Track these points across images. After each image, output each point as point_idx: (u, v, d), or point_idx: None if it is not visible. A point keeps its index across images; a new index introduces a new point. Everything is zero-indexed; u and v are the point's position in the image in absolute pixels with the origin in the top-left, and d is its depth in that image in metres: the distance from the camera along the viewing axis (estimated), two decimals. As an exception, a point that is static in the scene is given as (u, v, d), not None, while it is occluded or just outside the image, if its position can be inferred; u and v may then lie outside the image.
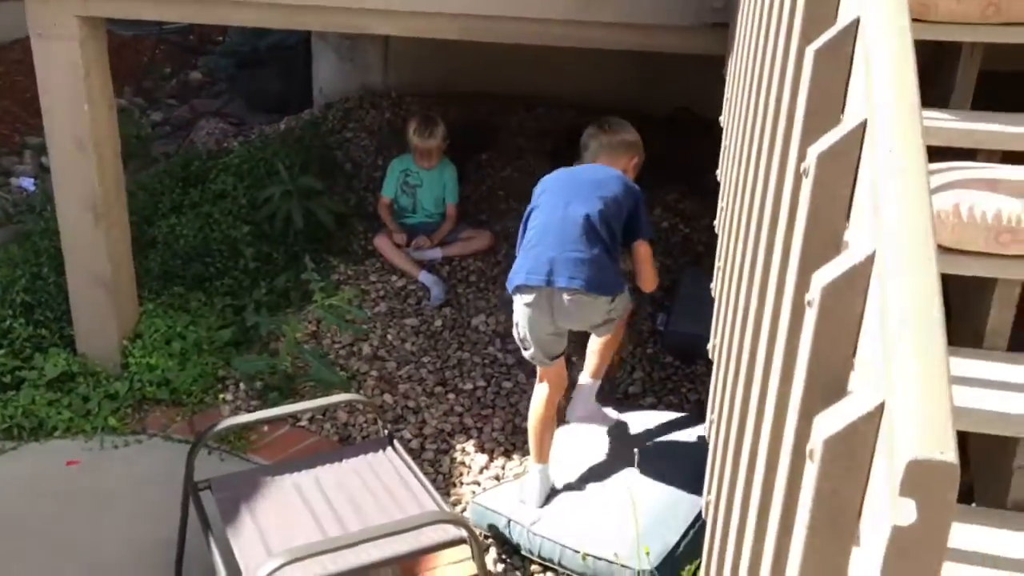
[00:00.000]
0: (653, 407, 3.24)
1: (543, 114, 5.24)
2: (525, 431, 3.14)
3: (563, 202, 2.57)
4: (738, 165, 1.82)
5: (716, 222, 2.22)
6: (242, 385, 3.35)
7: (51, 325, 3.45)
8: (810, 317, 0.97)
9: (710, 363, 3.36)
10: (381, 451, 2.43)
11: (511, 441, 3.11)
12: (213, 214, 4.15)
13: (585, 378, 2.81)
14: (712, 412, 1.81)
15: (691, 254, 4.13)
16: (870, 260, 0.93)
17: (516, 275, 2.58)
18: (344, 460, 2.39)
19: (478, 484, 2.91)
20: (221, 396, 3.32)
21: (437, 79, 5.47)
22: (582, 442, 2.83)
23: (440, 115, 4.35)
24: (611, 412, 2.93)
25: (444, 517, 2.07)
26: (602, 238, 2.51)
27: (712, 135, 3.46)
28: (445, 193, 4.18)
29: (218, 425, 2.38)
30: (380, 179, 4.65)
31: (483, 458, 3.02)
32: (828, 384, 0.97)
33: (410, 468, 2.37)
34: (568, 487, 2.63)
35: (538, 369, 2.71)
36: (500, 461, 3.01)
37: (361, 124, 5.14)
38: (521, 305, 2.58)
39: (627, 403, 3.26)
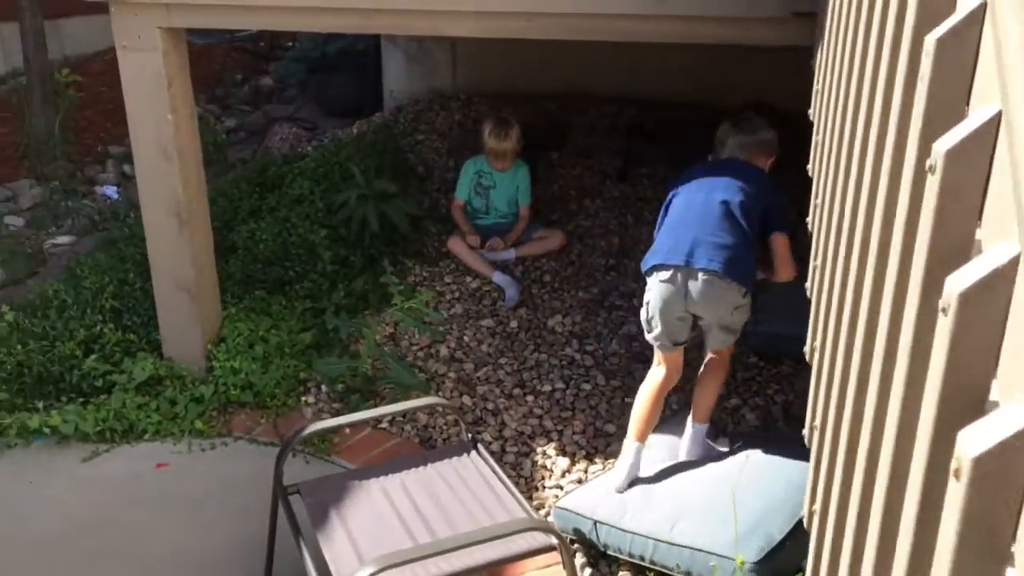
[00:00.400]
0: (737, 409, 3.16)
1: (612, 112, 5.19)
2: (606, 435, 3.11)
3: (705, 189, 2.64)
4: (836, 161, 1.75)
5: (808, 219, 2.14)
6: (323, 387, 3.39)
7: (139, 330, 3.54)
8: (945, 325, 0.91)
9: (798, 363, 3.28)
10: (466, 455, 2.42)
11: (592, 445, 3.07)
12: (291, 218, 4.21)
13: (693, 424, 2.79)
14: (814, 419, 1.74)
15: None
16: (1015, 263, 0.87)
17: (654, 255, 2.64)
18: (429, 464, 2.39)
19: (560, 488, 2.88)
20: (303, 399, 3.36)
21: (504, 79, 5.45)
22: (669, 439, 2.77)
23: (510, 115, 4.33)
24: (722, 444, 2.85)
25: (535, 525, 2.04)
26: (741, 227, 2.57)
27: (791, 128, 3.37)
28: (518, 194, 4.16)
29: (305, 430, 2.40)
30: (452, 181, 4.65)
31: (564, 462, 2.99)
32: (968, 396, 0.91)
33: (496, 473, 2.35)
34: (655, 481, 2.57)
35: (657, 353, 2.74)
36: (582, 465, 2.97)
37: (431, 126, 5.16)
38: (656, 283, 2.63)
39: (710, 405, 3.19)
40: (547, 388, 3.32)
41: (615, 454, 2.97)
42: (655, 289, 2.63)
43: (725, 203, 2.57)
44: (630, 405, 3.19)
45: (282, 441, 3.15)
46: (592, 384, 3.33)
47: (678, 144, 4.41)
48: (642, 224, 4.24)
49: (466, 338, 3.61)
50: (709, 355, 2.79)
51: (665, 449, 2.79)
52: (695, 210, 2.60)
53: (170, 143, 3.06)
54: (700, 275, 2.54)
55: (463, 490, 2.29)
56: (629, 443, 2.68)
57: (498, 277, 3.88)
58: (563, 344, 3.55)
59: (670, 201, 2.71)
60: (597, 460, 2.99)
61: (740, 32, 2.60)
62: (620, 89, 5.26)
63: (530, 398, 3.29)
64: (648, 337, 2.72)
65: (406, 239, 4.18)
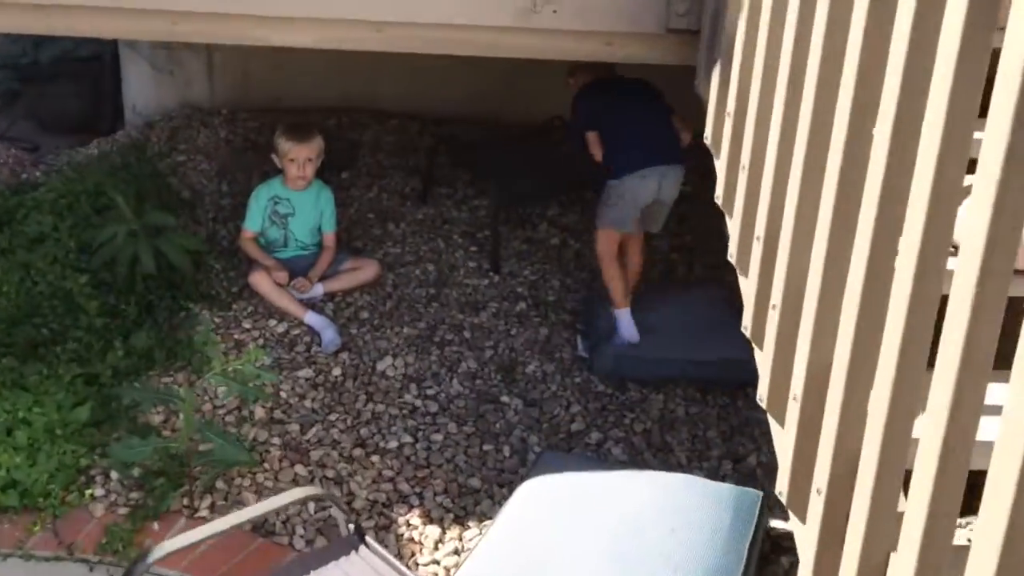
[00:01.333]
0: (600, 444, 2.98)
1: (399, 127, 4.85)
2: (472, 491, 2.80)
3: (637, 99, 3.37)
4: (804, 187, 1.59)
5: (733, 252, 1.97)
6: (114, 475, 2.74)
7: None
8: None
9: (643, 387, 3.17)
10: (354, 552, 2.00)
11: (460, 505, 2.72)
12: (34, 263, 3.43)
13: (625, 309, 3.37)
14: (802, 480, 1.56)
15: (587, 270, 3.92)
16: None
17: (632, 163, 3.26)
18: (312, 572, 1.93)
19: (437, 563, 2.52)
20: (89, 492, 2.68)
21: (270, 92, 4.91)
22: (584, 507, 2.46)
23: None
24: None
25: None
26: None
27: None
28: (321, 221, 3.68)
29: (155, 552, 1.83)
30: (228, 208, 4.08)
31: (434, 530, 2.62)
32: None
33: (393, 567, 1.96)
34: (567, 547, 2.27)
35: (613, 235, 3.38)
36: (455, 531, 2.63)
37: (193, 145, 4.50)
38: (634, 184, 3.28)
39: (572, 441, 2.98)
40: (393, 444, 2.93)
41: (488, 513, 2.66)
42: (632, 189, 3.28)
43: (661, 105, 3.35)
44: (490, 454, 2.91)
45: (69, 551, 2.50)
46: (443, 434, 2.98)
47: (484, 163, 4.18)
48: (454, 248, 3.96)
49: (283, 394, 3.10)
50: (635, 241, 3.46)
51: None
52: (645, 118, 3.31)
53: None
54: (672, 171, 3.30)
55: (361, 598, 1.88)
56: (620, 312, 3.35)
57: (312, 318, 3.40)
58: (399, 390, 3.16)
59: (607, 119, 3.33)
60: (470, 523, 2.65)
61: (616, 49, 2.41)
62: (403, 104, 4.93)
63: (376, 458, 2.87)
64: (617, 231, 3.37)
65: (187, 280, 3.55)
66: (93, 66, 5.12)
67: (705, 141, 2.22)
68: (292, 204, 3.62)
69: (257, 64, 4.86)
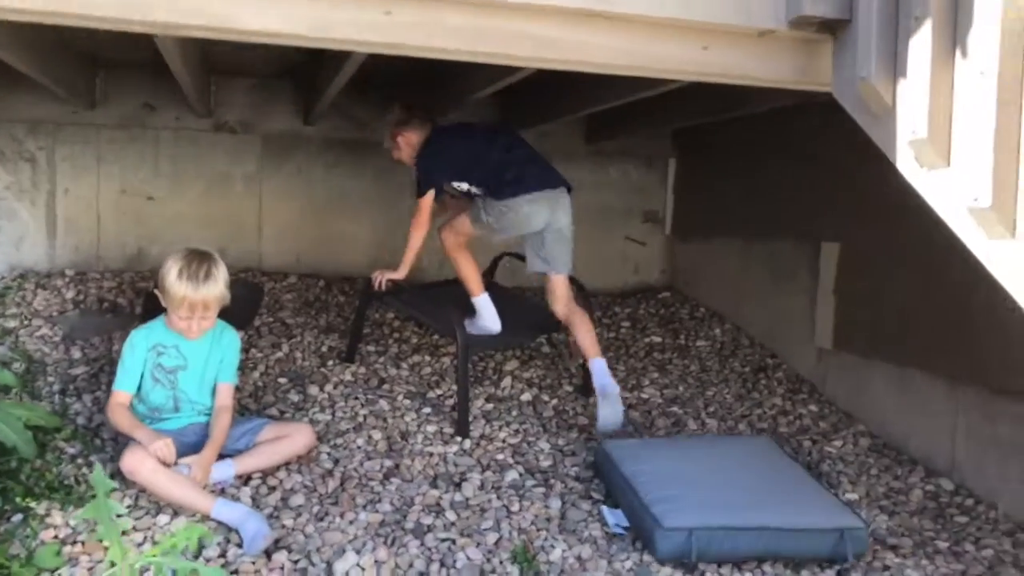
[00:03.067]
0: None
1: (299, 284, 3.96)
2: None
3: (495, 139, 3.13)
4: None
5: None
6: None
7: None
8: None
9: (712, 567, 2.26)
10: None
11: None
12: None
13: (595, 360, 3.01)
14: None
15: (576, 429, 3.06)
16: None
17: (521, 185, 3.02)
18: None
19: None
20: None
21: (128, 250, 3.93)
22: None
23: (153, 288, 2.74)
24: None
25: None
26: None
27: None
28: (219, 371, 2.63)
29: None
30: (83, 377, 3.01)
31: None
32: None
33: None
34: None
35: (455, 240, 3.19)
36: None
37: (28, 309, 3.42)
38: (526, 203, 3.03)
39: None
40: None
41: None
42: (517, 208, 3.01)
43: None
44: None
45: None
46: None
47: (438, 306, 3.30)
48: (402, 411, 3.00)
49: (194, 625, 1.95)
50: (567, 302, 3.12)
51: None
52: (516, 149, 3.09)
53: None
54: (561, 195, 3.08)
55: None
56: (480, 299, 3.19)
57: (222, 510, 2.29)
58: (377, 600, 2.08)
59: (470, 156, 3.04)
60: None
61: (712, 56, 1.73)
62: (294, 264, 4.09)
63: None
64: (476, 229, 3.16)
65: (23, 469, 2.38)
66: None
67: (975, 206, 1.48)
68: (182, 353, 2.57)
69: (114, 214, 3.90)
